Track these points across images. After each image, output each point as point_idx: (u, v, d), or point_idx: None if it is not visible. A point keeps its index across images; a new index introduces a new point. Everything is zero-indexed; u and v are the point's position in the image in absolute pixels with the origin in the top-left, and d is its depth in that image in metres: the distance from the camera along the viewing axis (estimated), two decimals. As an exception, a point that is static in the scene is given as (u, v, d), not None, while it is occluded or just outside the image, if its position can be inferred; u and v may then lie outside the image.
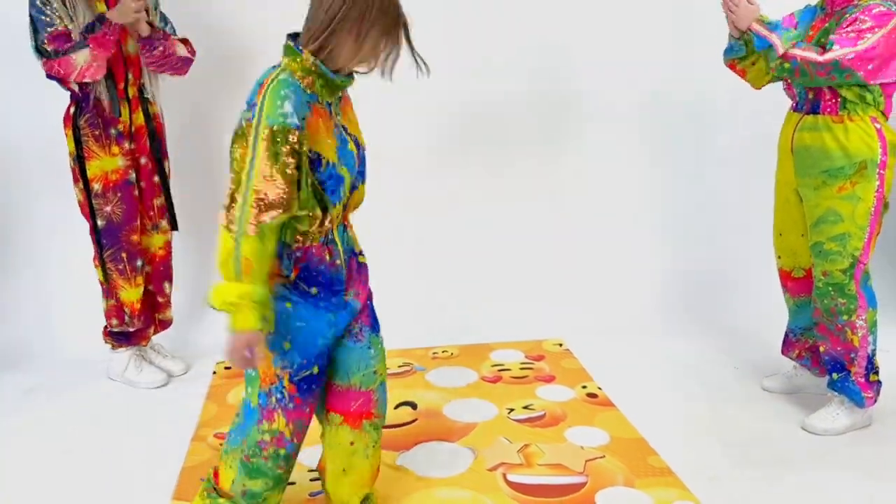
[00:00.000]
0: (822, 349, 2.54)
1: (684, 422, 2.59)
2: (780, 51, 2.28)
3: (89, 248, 2.86)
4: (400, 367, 3.02)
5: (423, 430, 2.53)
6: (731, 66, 2.54)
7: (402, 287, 3.49)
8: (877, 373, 2.50)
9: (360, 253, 1.87)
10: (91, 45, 2.51)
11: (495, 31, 3.40)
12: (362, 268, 1.86)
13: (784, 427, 2.54)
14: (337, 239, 1.74)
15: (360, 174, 1.76)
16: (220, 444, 2.43)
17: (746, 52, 2.45)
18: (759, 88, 2.57)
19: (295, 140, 1.56)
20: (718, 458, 2.37)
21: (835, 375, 2.50)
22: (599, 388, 2.81)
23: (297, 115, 1.56)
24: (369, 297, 1.91)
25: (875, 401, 2.49)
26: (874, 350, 2.47)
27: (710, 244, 3.62)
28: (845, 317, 2.42)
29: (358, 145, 1.75)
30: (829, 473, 2.28)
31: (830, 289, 2.42)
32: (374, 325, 1.90)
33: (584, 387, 2.83)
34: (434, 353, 3.15)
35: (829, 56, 2.20)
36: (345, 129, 1.72)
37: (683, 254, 3.63)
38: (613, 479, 2.24)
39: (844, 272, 2.39)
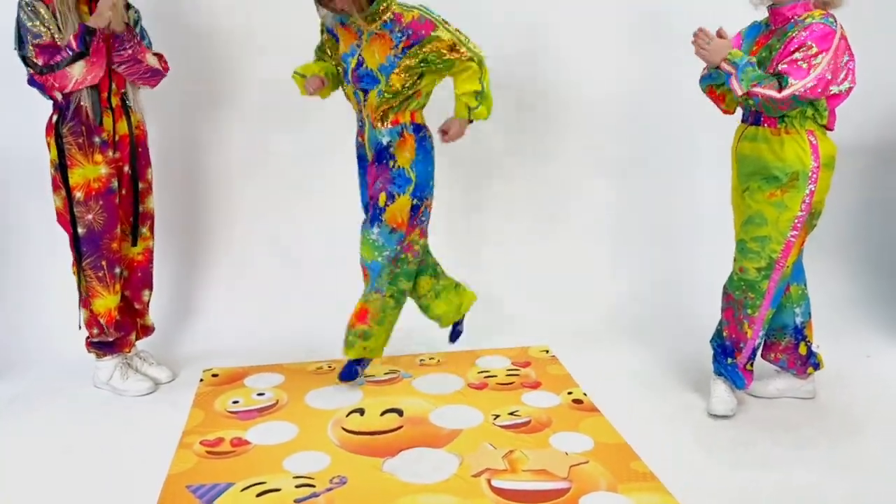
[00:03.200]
0: (724, 333, 2.69)
1: (668, 427, 2.61)
2: (739, 93, 2.39)
3: (69, 255, 2.86)
4: (386, 374, 3.03)
5: (409, 437, 2.54)
6: (710, 92, 2.67)
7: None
8: (815, 366, 2.77)
9: (385, 155, 2.62)
10: (92, 58, 2.54)
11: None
12: (382, 167, 2.63)
13: (767, 430, 2.57)
14: (366, 127, 2.67)
15: (361, 86, 2.58)
16: (207, 452, 2.45)
17: (723, 80, 2.54)
18: (732, 113, 2.70)
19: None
20: (702, 462, 2.39)
21: (729, 360, 2.68)
22: (585, 395, 2.83)
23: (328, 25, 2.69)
24: (374, 197, 2.64)
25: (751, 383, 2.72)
26: (760, 344, 2.67)
27: (689, 251, 3.67)
28: (749, 311, 2.59)
29: (361, 63, 2.56)
30: (812, 474, 2.30)
31: (743, 284, 2.59)
32: (370, 220, 2.67)
33: (570, 393, 2.85)
34: (421, 360, 3.17)
35: (787, 92, 2.32)
36: (358, 47, 2.58)
37: (664, 261, 3.68)
38: (597, 484, 2.25)
39: (759, 271, 2.55)
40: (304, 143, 3.51)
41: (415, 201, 2.63)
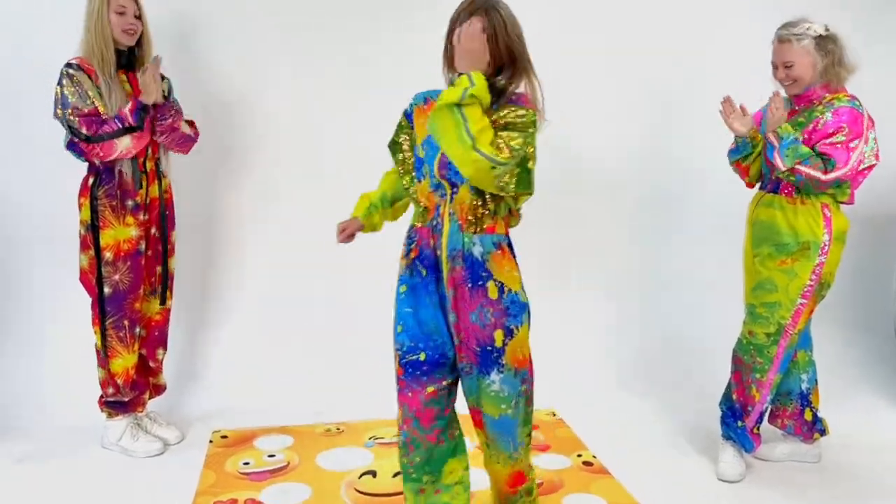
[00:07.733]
0: (734, 396, 2.73)
1: (678, 489, 2.64)
2: (783, 168, 2.49)
3: (82, 315, 2.89)
4: (395, 436, 3.03)
5: (424, 498, 2.53)
6: (737, 165, 2.74)
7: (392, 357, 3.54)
8: (822, 432, 2.83)
9: (479, 271, 1.90)
10: (140, 133, 2.64)
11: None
12: (477, 291, 1.90)
13: (777, 493, 2.61)
14: (445, 228, 1.92)
15: (448, 177, 1.91)
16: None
17: (752, 151, 2.64)
18: (754, 186, 2.77)
19: None
20: (714, 524, 2.42)
21: (739, 423, 2.71)
22: (594, 457, 2.85)
23: None
24: (480, 342, 1.92)
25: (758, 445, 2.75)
26: (767, 408, 2.72)
27: (695, 315, 3.75)
28: (757, 375, 2.65)
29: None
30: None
31: (752, 348, 2.65)
32: (482, 367, 1.95)
33: (580, 455, 2.87)
34: (429, 422, 3.17)
35: (832, 175, 2.44)
36: None
37: (665, 322, 3.76)
38: (614, 545, 2.27)
39: (768, 336, 2.61)
40: (316, 206, 3.58)
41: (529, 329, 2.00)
